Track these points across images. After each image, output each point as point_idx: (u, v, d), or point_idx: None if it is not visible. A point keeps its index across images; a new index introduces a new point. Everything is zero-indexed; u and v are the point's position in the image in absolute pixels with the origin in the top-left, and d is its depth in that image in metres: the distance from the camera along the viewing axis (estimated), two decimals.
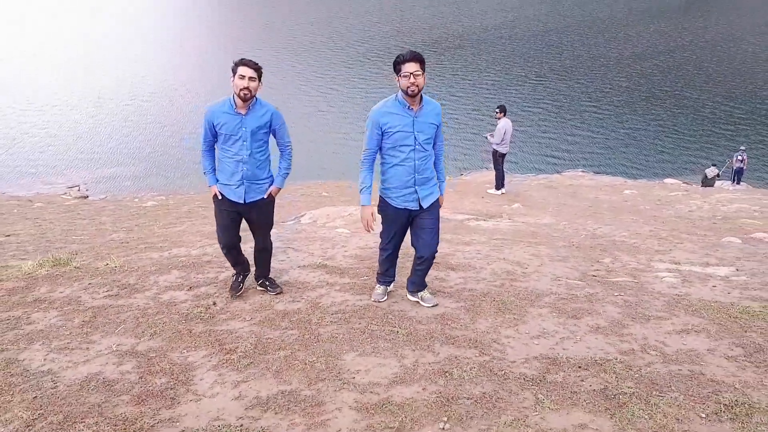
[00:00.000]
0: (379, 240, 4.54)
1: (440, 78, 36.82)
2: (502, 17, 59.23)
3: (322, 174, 20.61)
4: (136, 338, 4.10)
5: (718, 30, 51.29)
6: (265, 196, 4.57)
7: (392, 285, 4.73)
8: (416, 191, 4.16)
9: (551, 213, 10.76)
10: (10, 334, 4.20)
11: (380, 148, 4.15)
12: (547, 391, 3.19)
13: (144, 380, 3.50)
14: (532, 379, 3.32)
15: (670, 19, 55.94)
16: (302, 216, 9.12)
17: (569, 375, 3.35)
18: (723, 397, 3.07)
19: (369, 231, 4.31)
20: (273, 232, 6.86)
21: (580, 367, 3.45)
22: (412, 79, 3.87)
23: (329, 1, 70.15)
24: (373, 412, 3.06)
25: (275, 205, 4.81)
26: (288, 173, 4.72)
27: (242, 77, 4.19)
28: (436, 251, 4.37)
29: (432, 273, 5.32)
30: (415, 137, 4.03)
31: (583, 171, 23.61)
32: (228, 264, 5.03)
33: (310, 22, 57.59)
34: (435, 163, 4.28)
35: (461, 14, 61.39)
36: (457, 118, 28.59)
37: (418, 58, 3.90)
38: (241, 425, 2.98)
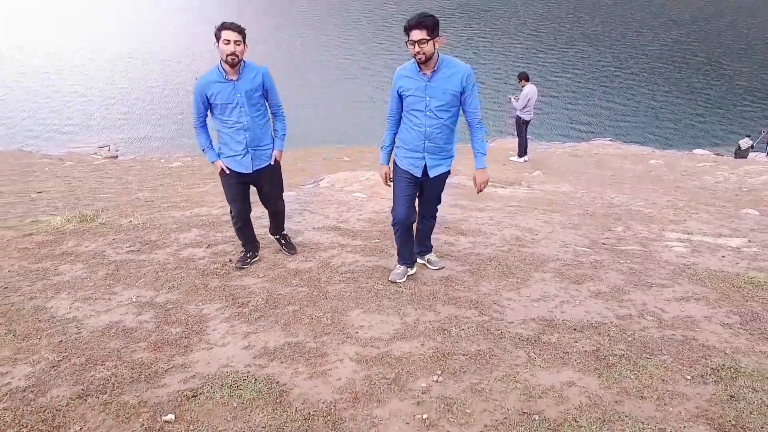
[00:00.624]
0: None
1: (468, 42, 36.23)
2: None
3: (344, 139, 20.68)
4: (155, 291, 4.32)
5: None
6: (272, 162, 4.55)
7: (414, 268, 4.53)
8: (424, 158, 4.04)
9: (571, 181, 10.72)
10: (39, 284, 4.46)
11: (403, 110, 4.05)
12: (539, 350, 3.32)
13: (160, 329, 3.72)
14: (527, 339, 3.45)
15: None
16: (321, 180, 9.27)
17: (563, 336, 3.47)
18: (711, 361, 3.16)
19: (387, 184, 4.26)
20: (291, 194, 7.01)
21: (575, 329, 3.57)
22: (417, 48, 3.66)
23: None
24: (372, 363, 3.23)
25: (281, 169, 4.78)
26: (285, 134, 4.64)
27: (227, 42, 4.04)
28: (435, 216, 4.52)
29: (442, 238, 5.44)
30: (426, 103, 3.88)
31: (611, 140, 23.22)
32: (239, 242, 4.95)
33: None
34: (471, 131, 4.00)
35: None
36: (483, 83, 28.21)
37: (424, 24, 3.63)
38: (248, 372, 3.18)
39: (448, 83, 3.85)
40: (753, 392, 2.83)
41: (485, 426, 2.65)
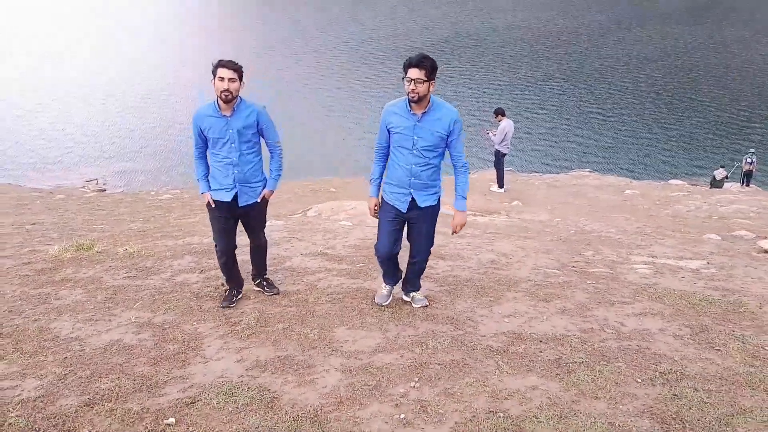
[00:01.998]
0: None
1: (447, 77, 37.18)
2: (512, 18, 59.47)
3: (331, 171, 21.14)
4: (152, 312, 4.61)
5: (729, 32, 51.09)
6: (259, 200, 4.57)
7: (399, 285, 4.65)
8: (411, 194, 4.10)
9: (549, 210, 11.18)
10: (41, 307, 4.72)
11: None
12: (508, 359, 3.66)
13: (159, 346, 4.01)
14: (497, 350, 3.79)
15: (679, 22, 55.76)
16: (309, 209, 9.62)
17: (530, 347, 3.82)
18: (661, 367, 3.51)
19: (374, 216, 4.32)
20: (279, 223, 7.34)
21: (541, 341, 3.91)
22: (412, 86, 3.76)
23: (342, 2, 70.65)
24: (355, 373, 3.55)
25: (268, 204, 4.84)
26: (280, 174, 4.68)
27: (222, 79, 4.12)
28: (426, 258, 4.43)
29: None
30: (413, 142, 3.95)
31: (589, 171, 23.90)
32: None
33: (321, 24, 58.16)
34: (455, 174, 4.13)
35: (471, 15, 61.71)
36: (462, 118, 28.97)
37: (423, 65, 3.74)
38: (242, 381, 3.48)
39: (436, 125, 3.93)
40: (694, 391, 3.19)
41: (455, 423, 2.97)
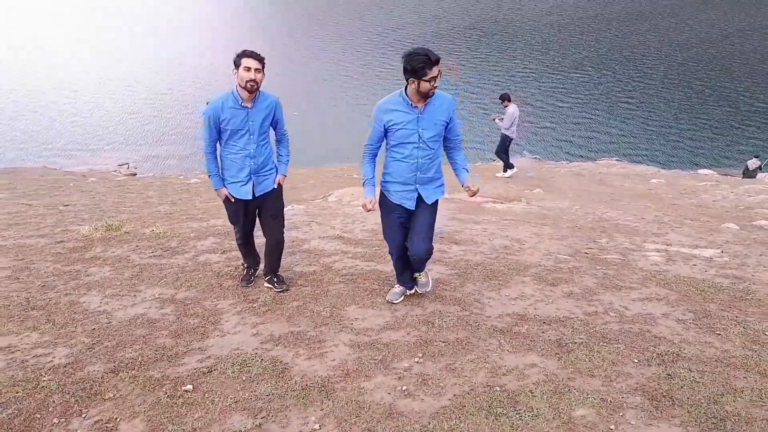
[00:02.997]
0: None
1: (473, 65, 36.94)
2: (542, 3, 58.53)
3: (355, 158, 21.29)
4: (175, 289, 4.85)
5: (766, 18, 49.52)
6: (275, 186, 4.57)
7: (414, 289, 4.60)
8: (417, 190, 4.07)
9: (570, 198, 11.17)
10: (72, 283, 5.01)
11: (387, 144, 4.06)
12: (510, 338, 3.79)
13: (180, 320, 4.24)
14: (500, 330, 3.92)
15: (715, 8, 54.19)
16: (329, 195, 9.81)
17: (533, 328, 3.94)
18: (659, 349, 3.61)
19: (367, 210, 4.11)
20: (300, 208, 7.52)
21: (544, 322, 4.04)
22: (435, 84, 3.73)
23: None
24: (363, 348, 3.73)
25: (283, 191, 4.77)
26: (289, 160, 4.69)
27: (248, 69, 4.08)
28: (428, 255, 4.25)
29: (436, 246, 5.92)
30: (419, 135, 3.91)
31: (616, 160, 23.64)
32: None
33: (347, 12, 58.11)
34: (453, 153, 4.14)
35: (500, 1, 60.93)
36: (486, 106, 28.84)
37: (439, 60, 3.70)
38: (256, 353, 3.68)
39: (438, 114, 3.91)
40: (688, 372, 3.29)
41: (454, 395, 3.13)
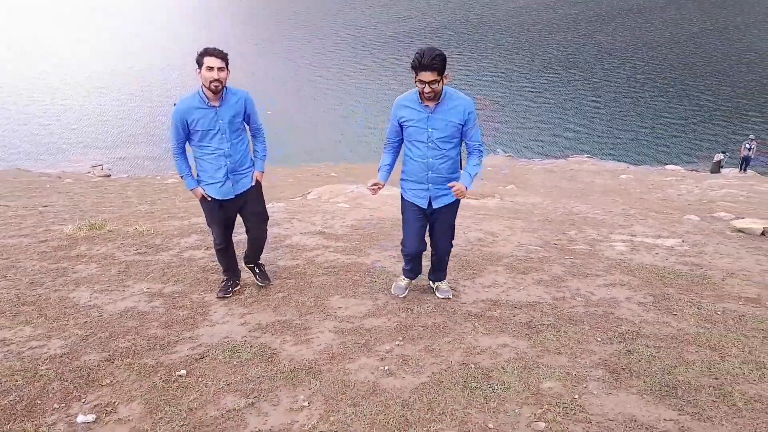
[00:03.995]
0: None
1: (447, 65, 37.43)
2: (512, 4, 59.35)
3: (333, 157, 21.49)
4: (162, 284, 5.01)
5: (730, 19, 50.93)
6: (253, 183, 4.47)
7: (417, 278, 4.67)
8: (428, 189, 4.07)
9: (541, 194, 11.54)
10: (59, 280, 5.13)
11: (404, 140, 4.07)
12: (484, 322, 4.06)
13: (169, 312, 4.42)
14: (475, 315, 4.19)
15: (680, 8, 55.51)
16: (309, 193, 10.01)
17: (505, 312, 4.22)
18: (620, 329, 3.91)
19: (372, 190, 4.06)
20: (280, 205, 7.69)
21: (515, 307, 4.31)
22: (427, 88, 3.70)
23: None
24: (347, 334, 3.96)
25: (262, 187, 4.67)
26: (266, 155, 4.57)
27: (210, 68, 3.93)
28: (449, 251, 4.43)
29: None
30: (428, 134, 3.89)
31: (587, 157, 24.24)
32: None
33: (322, 13, 58.24)
34: (468, 156, 4.04)
35: (472, 1, 61.61)
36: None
37: (434, 66, 3.61)
38: (245, 341, 3.89)
39: (450, 115, 3.85)
40: (645, 348, 3.59)
41: (432, 373, 3.38)
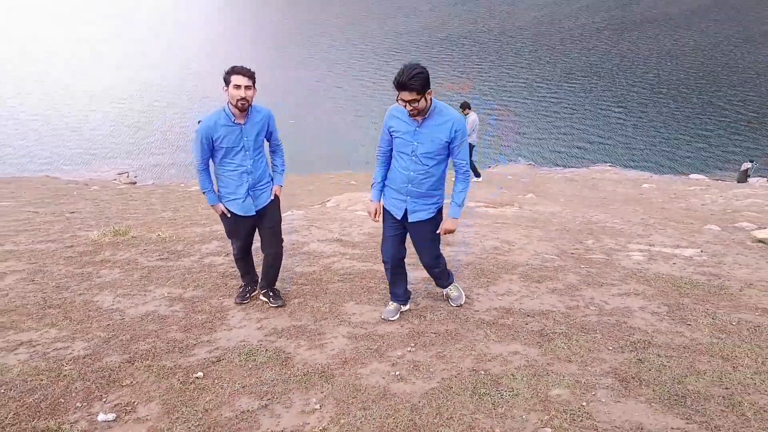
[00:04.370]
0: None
1: (466, 74, 37.43)
2: (533, 13, 59.23)
3: (352, 165, 21.65)
4: (182, 288, 5.15)
5: (757, 27, 50.11)
6: (272, 198, 4.54)
7: (408, 305, 4.53)
8: (406, 201, 3.99)
9: (561, 203, 11.50)
10: (84, 284, 5.30)
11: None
12: (496, 329, 4.10)
13: (189, 316, 4.54)
14: (488, 322, 4.23)
15: (705, 18, 54.76)
16: (328, 201, 10.13)
17: (517, 320, 4.25)
18: (633, 338, 3.92)
19: (374, 220, 4.19)
20: (299, 213, 7.81)
21: (528, 315, 4.34)
22: (409, 107, 3.63)
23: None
24: (360, 339, 4.03)
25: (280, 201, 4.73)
26: (284, 170, 4.67)
27: (238, 87, 3.99)
28: (437, 267, 4.34)
29: None
30: (413, 148, 3.82)
31: (610, 166, 24.03)
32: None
33: (341, 22, 58.82)
34: (455, 181, 3.96)
35: (493, 10, 61.63)
36: (483, 115, 29.28)
37: (412, 87, 3.53)
38: (261, 345, 3.98)
39: (438, 131, 3.76)
40: (657, 357, 3.59)
41: (442, 378, 3.43)
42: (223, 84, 4.06)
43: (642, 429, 2.86)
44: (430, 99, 3.69)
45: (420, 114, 3.71)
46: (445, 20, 57.42)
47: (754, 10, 56.02)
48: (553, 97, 33.75)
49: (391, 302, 4.46)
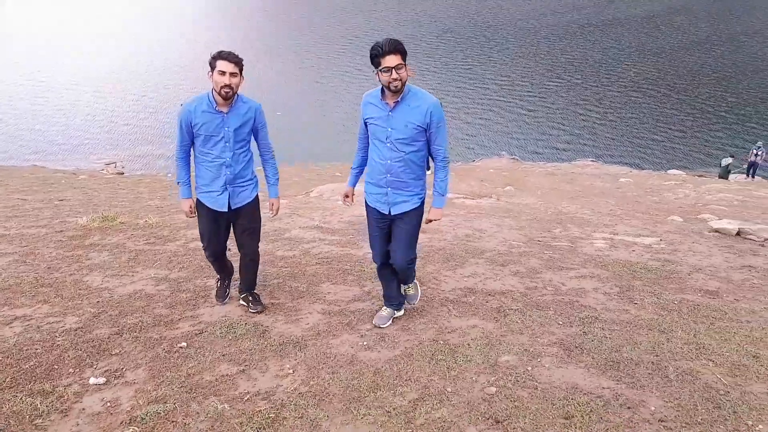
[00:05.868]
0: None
1: (450, 70, 37.76)
2: (518, 9, 59.64)
3: (337, 157, 21.93)
4: (168, 270, 5.45)
5: (737, 26, 50.84)
6: (252, 199, 4.25)
7: (402, 310, 4.32)
8: (387, 194, 3.81)
9: (538, 196, 11.90)
10: (74, 266, 5.58)
11: None
12: (458, 306, 4.45)
13: (174, 295, 4.84)
14: (452, 300, 4.58)
15: (688, 15, 55.41)
16: (311, 191, 10.44)
17: (479, 298, 4.61)
18: (582, 314, 4.29)
19: (344, 203, 4.17)
20: (283, 202, 8.13)
21: (489, 294, 4.70)
22: (394, 74, 3.40)
23: None
24: (333, 315, 4.36)
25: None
26: (278, 178, 4.38)
27: (222, 73, 3.77)
28: (409, 265, 4.03)
29: None
30: (387, 134, 3.64)
31: (591, 161, 24.52)
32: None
33: (327, 15, 58.87)
34: (435, 170, 3.78)
35: (479, 6, 62.00)
36: (459, 110, 29.65)
37: (398, 49, 3.40)
38: (241, 320, 4.30)
39: (411, 116, 3.57)
40: (601, 330, 3.97)
41: (405, 347, 3.78)
42: (209, 69, 3.85)
43: (576, 388, 3.22)
44: (407, 76, 3.50)
45: (402, 89, 3.51)
46: (433, 15, 57.65)
47: (737, 10, 56.83)
48: (536, 93, 34.23)
49: (384, 307, 4.27)
